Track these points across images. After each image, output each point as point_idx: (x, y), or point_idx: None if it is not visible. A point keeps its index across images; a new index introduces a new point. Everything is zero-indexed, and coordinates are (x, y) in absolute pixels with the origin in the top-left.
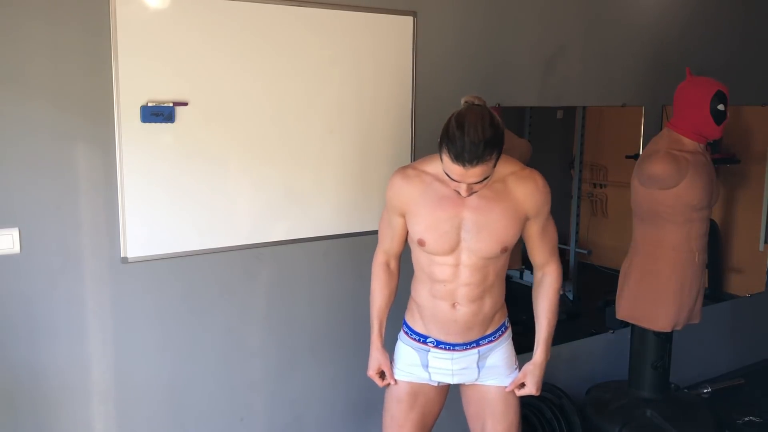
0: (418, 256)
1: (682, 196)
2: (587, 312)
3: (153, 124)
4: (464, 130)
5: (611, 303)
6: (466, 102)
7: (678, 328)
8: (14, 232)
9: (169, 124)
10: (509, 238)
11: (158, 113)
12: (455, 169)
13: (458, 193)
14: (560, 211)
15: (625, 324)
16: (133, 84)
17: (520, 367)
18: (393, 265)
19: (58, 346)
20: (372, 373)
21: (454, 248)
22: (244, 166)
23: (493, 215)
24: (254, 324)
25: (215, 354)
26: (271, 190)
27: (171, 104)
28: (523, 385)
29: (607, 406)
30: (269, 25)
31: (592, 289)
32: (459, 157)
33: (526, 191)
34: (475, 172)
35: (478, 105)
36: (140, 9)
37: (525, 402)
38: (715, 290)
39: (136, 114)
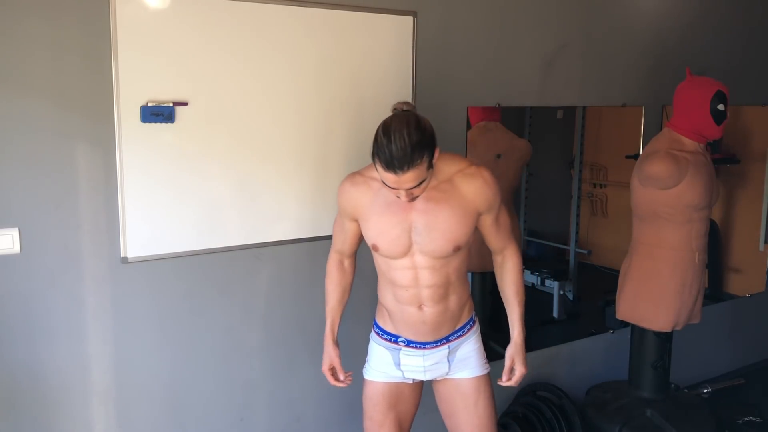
0: (378, 261)
1: (682, 196)
2: (587, 312)
3: (153, 124)
4: (390, 137)
5: (611, 303)
6: (394, 109)
7: (678, 328)
8: (14, 232)
9: (169, 124)
10: (461, 236)
11: (158, 113)
12: (389, 177)
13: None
14: (560, 211)
15: (625, 324)
16: (133, 84)
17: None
18: (347, 263)
19: (58, 346)
20: (325, 368)
21: (406, 251)
22: (244, 166)
23: (442, 215)
24: (254, 324)
25: (215, 354)
26: (271, 190)
27: (171, 104)
28: (513, 372)
29: (607, 406)
30: (269, 25)
31: (592, 289)
32: (390, 165)
33: (475, 188)
34: (408, 178)
35: (405, 111)
36: (140, 8)
37: (525, 402)
38: (715, 290)
39: (136, 114)
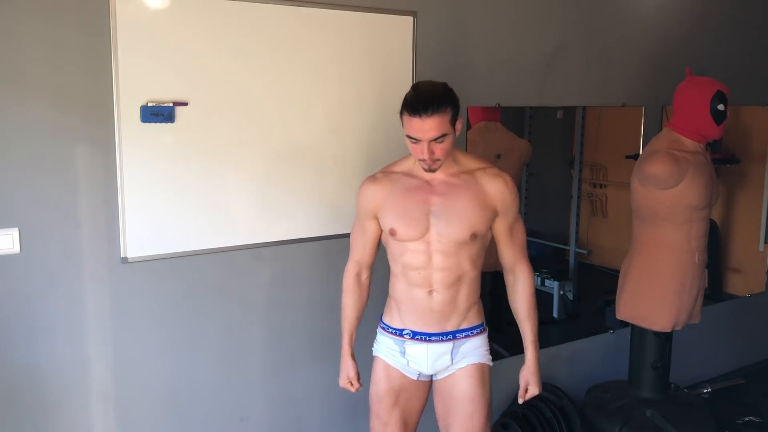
0: (392, 248)
1: (682, 196)
2: (587, 312)
3: (153, 124)
4: (418, 89)
5: (611, 303)
6: None
7: (678, 328)
8: (14, 232)
9: (169, 124)
10: (478, 223)
11: (158, 113)
12: (413, 124)
13: (424, 168)
14: (560, 211)
15: (625, 324)
16: (133, 84)
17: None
18: (364, 276)
19: (58, 346)
20: (343, 383)
21: (423, 233)
22: (244, 166)
23: (460, 201)
24: (254, 324)
25: (215, 354)
26: (271, 190)
27: (171, 104)
28: (527, 390)
29: (607, 406)
30: (269, 25)
31: (592, 289)
32: (415, 109)
33: (494, 187)
34: (432, 124)
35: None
36: (140, 9)
37: (525, 402)
38: (715, 290)
39: (136, 114)
